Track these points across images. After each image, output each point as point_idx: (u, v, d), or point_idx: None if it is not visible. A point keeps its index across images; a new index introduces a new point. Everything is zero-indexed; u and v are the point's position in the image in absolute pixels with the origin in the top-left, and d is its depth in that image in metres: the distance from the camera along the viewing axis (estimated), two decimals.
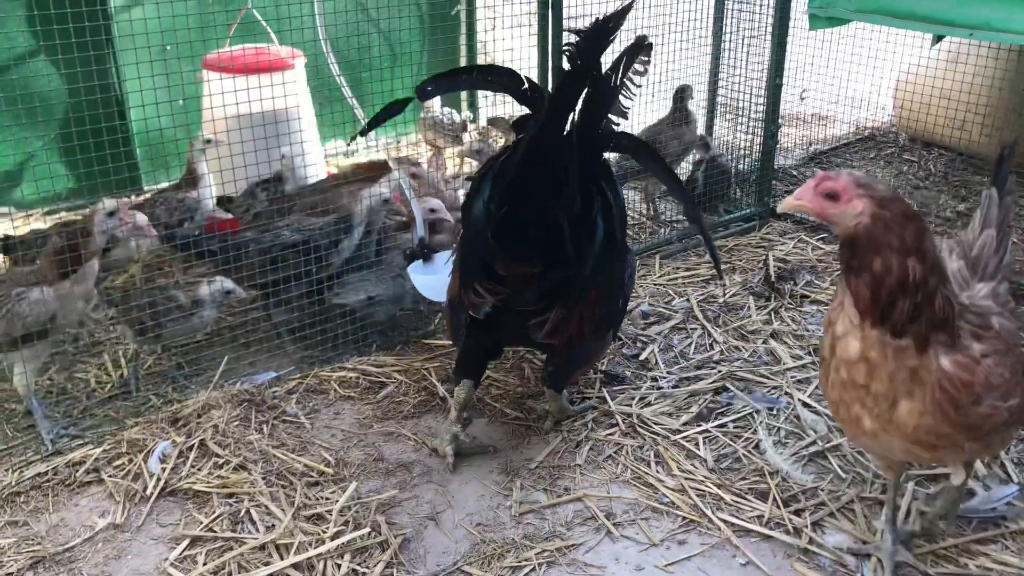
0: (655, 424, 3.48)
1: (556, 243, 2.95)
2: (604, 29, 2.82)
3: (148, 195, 5.75)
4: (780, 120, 5.39)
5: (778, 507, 3.03)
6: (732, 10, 5.36)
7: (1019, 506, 3.01)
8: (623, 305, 3.51)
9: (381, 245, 4.23)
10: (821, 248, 5.05)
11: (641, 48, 3.11)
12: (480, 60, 7.32)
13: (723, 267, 4.78)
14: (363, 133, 3.23)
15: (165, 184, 5.89)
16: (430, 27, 6.81)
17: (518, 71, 3.09)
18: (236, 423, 3.41)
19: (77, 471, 3.21)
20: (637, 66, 3.12)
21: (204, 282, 3.77)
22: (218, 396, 3.52)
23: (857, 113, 7.21)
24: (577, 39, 2.83)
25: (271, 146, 4.55)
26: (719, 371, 3.81)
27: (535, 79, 3.93)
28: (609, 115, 3.15)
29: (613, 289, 3.30)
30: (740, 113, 5.51)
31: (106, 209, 3.44)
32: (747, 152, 5.54)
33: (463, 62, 7.09)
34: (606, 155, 3.25)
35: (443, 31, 6.89)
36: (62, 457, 3.27)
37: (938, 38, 6.20)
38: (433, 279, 3.82)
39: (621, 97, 3.16)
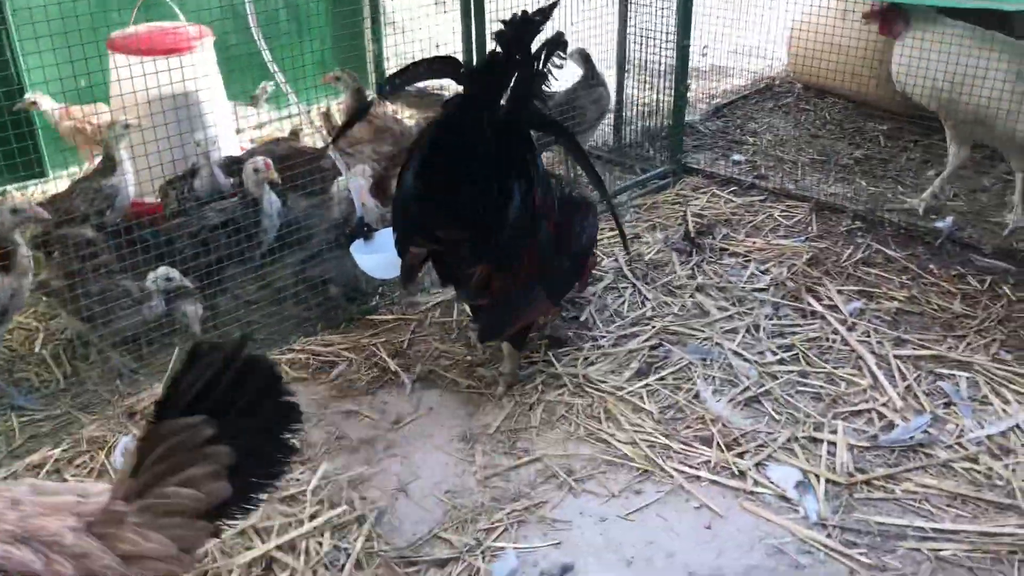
0: (600, 382, 3.68)
1: (477, 211, 3.22)
2: (532, 21, 3.14)
3: (52, 181, 5.64)
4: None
5: (722, 451, 3.28)
6: None
7: (933, 433, 3.34)
8: (570, 266, 3.70)
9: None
10: (733, 201, 5.32)
11: (560, 44, 3.30)
12: (387, 30, 7.32)
13: (645, 224, 5.01)
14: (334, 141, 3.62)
15: (74, 169, 5.76)
16: None
17: (457, 58, 3.22)
18: None
19: (38, 474, 3.21)
20: (555, 59, 3.30)
21: (149, 272, 3.75)
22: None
23: (754, 64, 7.50)
24: (506, 27, 3.12)
25: (184, 131, 4.52)
26: (653, 327, 4.04)
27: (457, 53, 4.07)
28: (533, 98, 3.34)
29: (545, 251, 3.47)
30: (648, 72, 5.70)
31: (9, 207, 3.52)
32: (657, 110, 5.75)
33: (368, 31, 7.06)
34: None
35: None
36: (20, 461, 3.26)
37: None
38: (379, 257, 3.90)
39: (543, 85, 3.34)
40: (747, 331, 4.00)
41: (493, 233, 3.24)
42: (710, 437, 3.36)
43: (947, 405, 3.51)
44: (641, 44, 5.64)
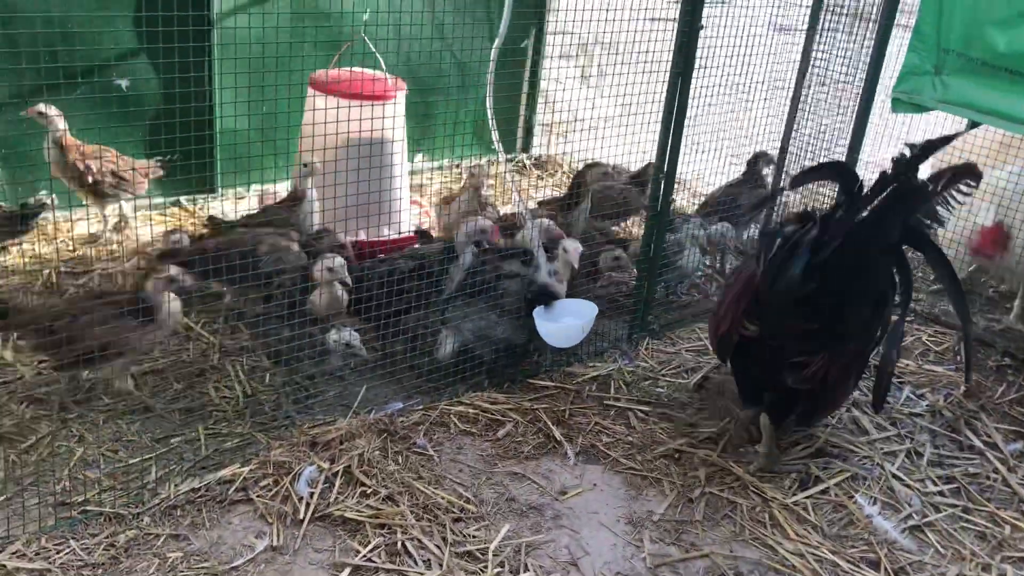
0: (763, 485, 3.71)
1: (841, 312, 3.46)
2: (926, 149, 3.51)
3: (220, 198, 5.90)
4: None
5: None
6: (815, 74, 5.62)
7: None
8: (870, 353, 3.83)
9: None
10: None
11: (971, 173, 3.57)
12: (541, 89, 7.57)
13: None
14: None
15: (241, 188, 6.03)
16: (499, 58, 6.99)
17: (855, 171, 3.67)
18: (376, 452, 3.56)
19: (228, 489, 3.34)
20: (962, 187, 3.57)
21: (332, 329, 3.91)
22: (357, 424, 3.67)
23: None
24: (908, 154, 3.48)
25: (372, 175, 4.73)
26: (814, 437, 4.07)
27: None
28: (924, 218, 3.62)
29: (869, 346, 3.68)
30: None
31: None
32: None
33: (525, 90, 7.31)
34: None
35: (510, 65, 7.08)
36: (212, 474, 3.39)
37: None
38: (557, 327, 4.01)
39: (940, 207, 3.62)
40: (906, 455, 4.01)
41: (846, 331, 3.47)
42: (878, 561, 3.36)
43: None
44: (805, 153, 5.74)
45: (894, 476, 3.85)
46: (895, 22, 5.13)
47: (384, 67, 5.12)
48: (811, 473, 3.83)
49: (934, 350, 5.02)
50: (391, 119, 4.93)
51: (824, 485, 3.75)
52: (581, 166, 5.65)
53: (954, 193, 3.56)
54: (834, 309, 3.44)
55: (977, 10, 4.63)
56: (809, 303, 3.43)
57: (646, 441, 3.93)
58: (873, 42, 5.15)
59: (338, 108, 4.55)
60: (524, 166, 7.35)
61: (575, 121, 7.27)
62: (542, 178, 7.14)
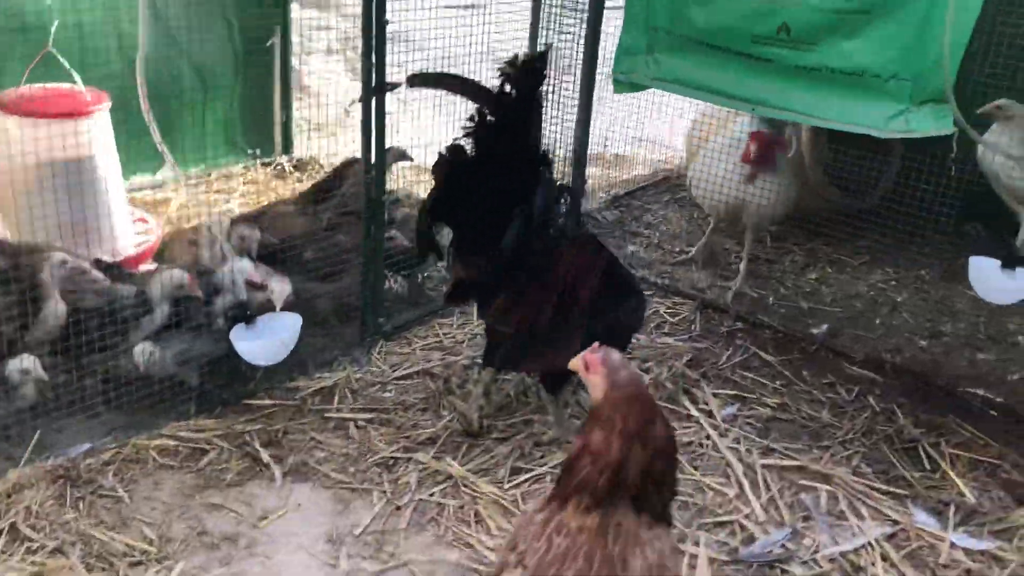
0: (477, 482, 3.69)
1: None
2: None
3: None
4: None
5: None
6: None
7: (791, 548, 3.45)
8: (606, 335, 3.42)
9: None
10: None
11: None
12: (295, 89, 7.34)
13: None
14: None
15: None
16: (244, 58, 6.73)
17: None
18: (51, 502, 3.31)
19: None
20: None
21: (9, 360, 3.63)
22: (30, 474, 3.40)
23: (656, 153, 7.75)
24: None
25: (72, 197, 4.43)
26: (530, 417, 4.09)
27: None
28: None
29: (568, 305, 3.67)
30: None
31: None
32: None
33: (277, 91, 7.06)
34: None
35: (257, 64, 6.82)
36: None
37: None
38: (260, 344, 3.85)
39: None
40: None
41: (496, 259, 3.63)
42: None
43: (806, 519, 3.63)
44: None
45: None
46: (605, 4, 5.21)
47: (79, 81, 4.80)
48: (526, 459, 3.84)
49: (670, 322, 5.16)
50: (88, 136, 4.62)
51: (536, 472, 3.77)
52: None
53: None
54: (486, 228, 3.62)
55: None
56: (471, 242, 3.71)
57: (362, 451, 3.84)
58: (587, 24, 5.22)
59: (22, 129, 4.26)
60: (284, 169, 7.10)
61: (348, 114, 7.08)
62: (301, 180, 6.92)
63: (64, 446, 3.65)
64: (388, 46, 4.13)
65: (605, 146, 7.44)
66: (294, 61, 7.26)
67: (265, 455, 3.74)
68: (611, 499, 2.17)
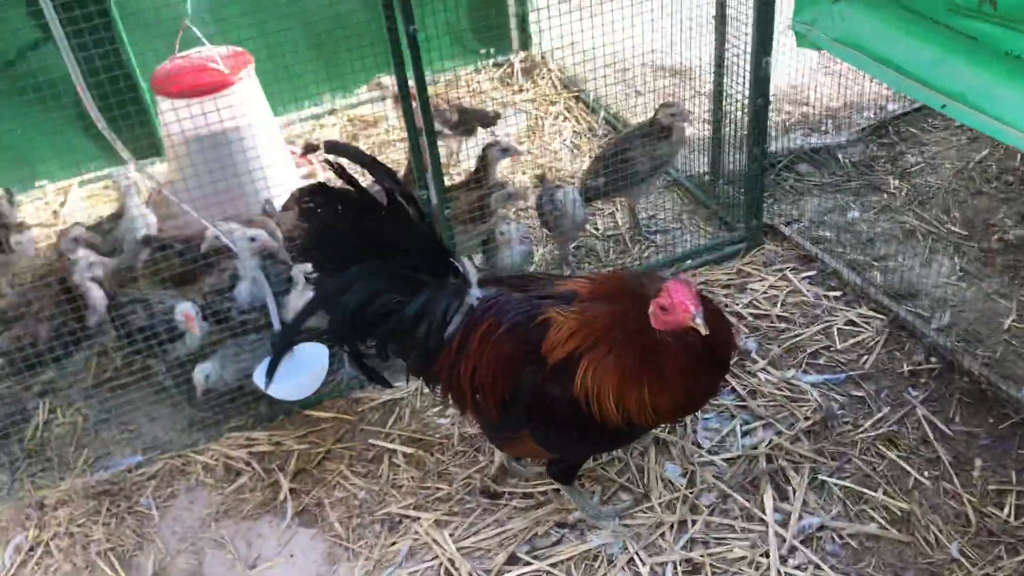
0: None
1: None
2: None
3: None
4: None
5: None
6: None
7: None
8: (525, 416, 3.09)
9: None
10: (801, 293, 4.40)
11: None
12: None
13: None
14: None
15: None
16: None
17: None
18: (83, 519, 3.69)
19: None
20: None
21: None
22: (79, 486, 3.81)
23: None
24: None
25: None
26: None
27: None
28: None
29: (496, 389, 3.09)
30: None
31: None
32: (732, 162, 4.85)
33: None
34: None
35: None
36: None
37: None
38: (284, 386, 3.79)
39: None
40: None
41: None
42: None
43: None
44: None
45: None
46: None
47: (216, 55, 4.83)
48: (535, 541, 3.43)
49: (834, 346, 4.10)
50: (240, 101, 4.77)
51: (532, 568, 3.35)
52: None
53: None
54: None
55: None
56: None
57: (377, 499, 3.70)
58: None
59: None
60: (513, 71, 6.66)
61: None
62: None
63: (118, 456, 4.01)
64: None
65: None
66: None
67: (286, 487, 3.77)
68: None
